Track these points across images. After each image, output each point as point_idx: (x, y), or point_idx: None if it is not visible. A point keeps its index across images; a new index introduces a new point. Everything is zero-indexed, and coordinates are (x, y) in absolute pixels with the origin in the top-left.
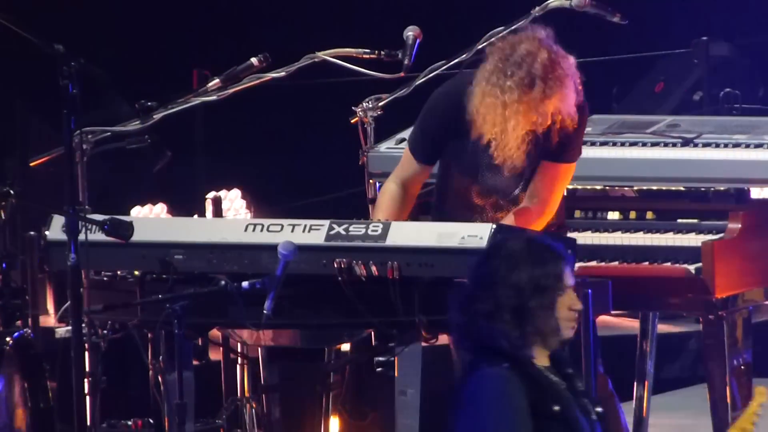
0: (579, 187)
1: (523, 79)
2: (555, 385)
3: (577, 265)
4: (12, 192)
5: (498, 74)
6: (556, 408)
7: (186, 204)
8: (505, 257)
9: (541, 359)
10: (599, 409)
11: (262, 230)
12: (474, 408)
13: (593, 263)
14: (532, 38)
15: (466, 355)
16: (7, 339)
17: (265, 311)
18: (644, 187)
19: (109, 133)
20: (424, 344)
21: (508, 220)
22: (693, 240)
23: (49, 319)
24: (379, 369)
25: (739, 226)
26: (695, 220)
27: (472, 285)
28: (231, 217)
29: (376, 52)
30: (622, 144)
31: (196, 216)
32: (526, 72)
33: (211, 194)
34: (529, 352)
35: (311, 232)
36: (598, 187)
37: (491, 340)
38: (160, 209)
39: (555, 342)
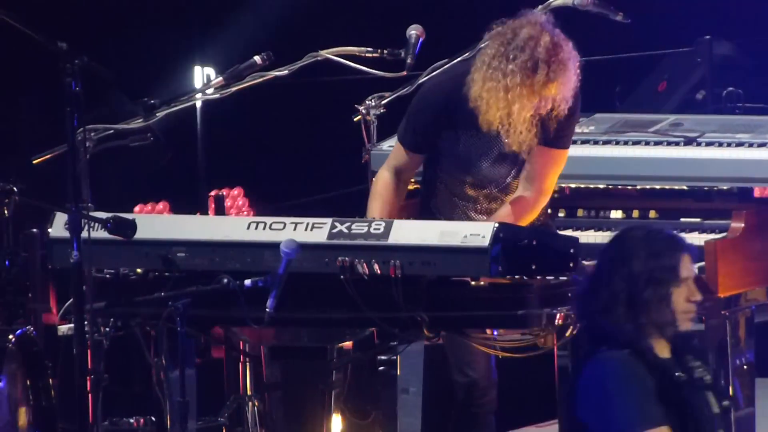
0: (582, 185)
1: (526, 62)
2: (675, 374)
3: None
4: (15, 189)
5: (499, 58)
6: (679, 394)
7: (188, 202)
8: (621, 250)
9: (662, 350)
10: (726, 403)
11: (264, 228)
12: (599, 390)
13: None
14: (534, 23)
15: (586, 343)
16: (10, 336)
17: (267, 309)
18: (647, 186)
19: (111, 131)
20: (426, 343)
21: (505, 209)
22: (696, 239)
23: (51, 317)
24: (381, 367)
25: (742, 225)
26: (698, 220)
27: (590, 277)
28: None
29: (379, 50)
30: (625, 143)
31: (198, 214)
32: (529, 56)
33: (214, 192)
34: (647, 343)
35: (314, 231)
36: (601, 186)
37: (608, 332)
38: (163, 207)
39: (672, 332)
